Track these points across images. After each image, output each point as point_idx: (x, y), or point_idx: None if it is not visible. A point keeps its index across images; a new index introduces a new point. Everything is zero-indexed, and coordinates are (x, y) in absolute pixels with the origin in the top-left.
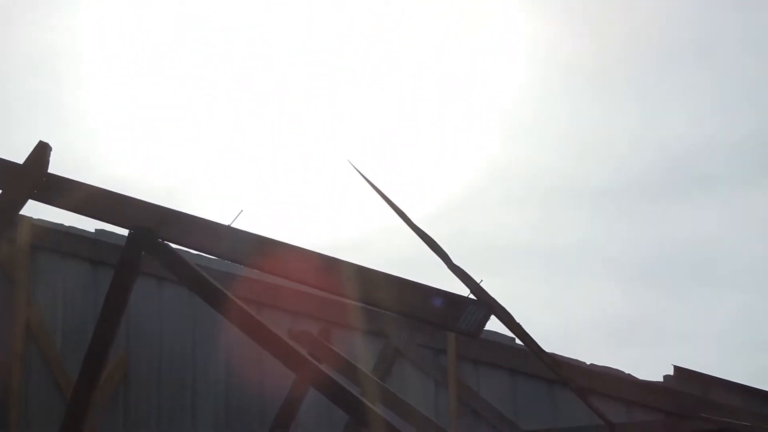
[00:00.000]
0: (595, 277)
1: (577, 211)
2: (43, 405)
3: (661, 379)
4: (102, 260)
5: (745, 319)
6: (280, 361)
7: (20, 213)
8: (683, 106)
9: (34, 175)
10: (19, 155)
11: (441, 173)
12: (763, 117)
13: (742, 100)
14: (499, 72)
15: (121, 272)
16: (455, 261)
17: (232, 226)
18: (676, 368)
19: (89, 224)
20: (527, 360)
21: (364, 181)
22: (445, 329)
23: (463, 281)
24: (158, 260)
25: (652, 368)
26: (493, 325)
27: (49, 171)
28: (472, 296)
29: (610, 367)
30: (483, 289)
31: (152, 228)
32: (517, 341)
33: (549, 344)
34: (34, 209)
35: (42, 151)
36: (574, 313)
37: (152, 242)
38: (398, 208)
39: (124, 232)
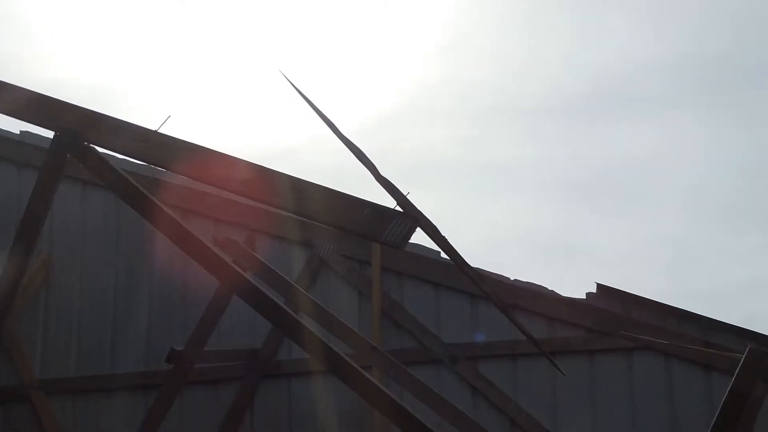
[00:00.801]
0: (525, 195)
1: (510, 129)
2: None
3: (584, 297)
4: (27, 163)
5: (671, 241)
6: (205, 268)
7: None
8: (619, 26)
9: None
10: None
11: (372, 88)
12: (698, 39)
13: (678, 22)
14: None
15: (45, 175)
16: (383, 173)
17: (160, 131)
18: (599, 286)
19: (14, 126)
20: (451, 274)
21: (295, 90)
22: (370, 240)
23: (389, 193)
24: (83, 164)
25: (575, 286)
26: (419, 237)
27: None
28: (398, 208)
29: (533, 283)
30: (409, 202)
31: (78, 131)
32: (442, 255)
33: (474, 259)
34: None
35: None
36: (502, 229)
37: (78, 145)
38: (327, 118)
39: (50, 134)
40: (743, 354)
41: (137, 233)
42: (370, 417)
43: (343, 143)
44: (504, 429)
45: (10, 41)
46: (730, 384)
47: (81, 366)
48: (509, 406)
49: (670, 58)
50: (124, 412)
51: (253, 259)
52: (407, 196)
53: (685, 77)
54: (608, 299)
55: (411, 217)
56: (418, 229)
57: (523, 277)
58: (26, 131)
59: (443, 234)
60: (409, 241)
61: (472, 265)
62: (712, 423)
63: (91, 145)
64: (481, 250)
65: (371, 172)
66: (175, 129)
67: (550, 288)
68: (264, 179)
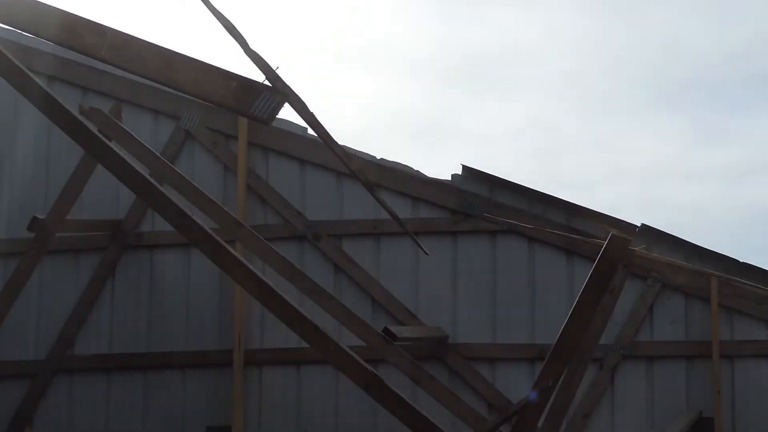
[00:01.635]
0: (396, 74)
1: (383, 8)
2: None
3: (449, 178)
4: None
5: (543, 126)
6: (69, 136)
7: None
8: None
9: None
10: None
11: None
12: None
13: None
14: None
15: None
16: (252, 47)
17: None
18: (464, 167)
19: None
20: (318, 151)
21: None
22: (237, 114)
23: (259, 67)
24: None
25: (441, 166)
26: (287, 113)
27: None
28: (267, 83)
29: (399, 163)
30: (279, 77)
31: None
32: (310, 131)
33: (341, 137)
34: None
35: None
36: (371, 107)
37: None
38: None
39: None
40: (605, 240)
41: (2, 100)
42: (232, 291)
43: (212, 14)
44: (365, 307)
45: None
46: (592, 269)
47: None
48: (371, 285)
49: None
50: None
51: (118, 129)
52: (277, 71)
53: None
54: (473, 181)
55: (280, 92)
56: (287, 105)
57: (390, 157)
58: None
59: (311, 110)
60: (277, 116)
61: (339, 143)
62: (573, 307)
63: None
64: (349, 128)
65: (240, 46)
66: None
67: (416, 168)
68: (132, 48)
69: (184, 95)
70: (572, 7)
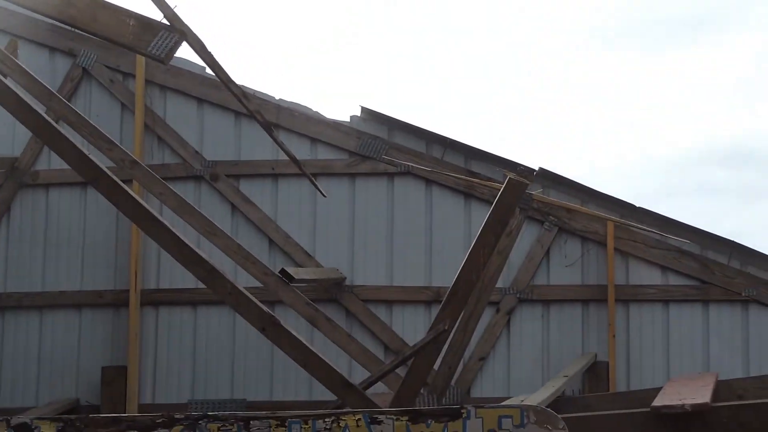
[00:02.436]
0: (295, 12)
1: None
2: None
3: (348, 119)
4: None
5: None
6: None
7: None
8: None
9: None
10: None
11: None
12: None
13: None
14: None
15: None
16: None
17: None
18: (363, 109)
19: None
20: (216, 90)
21: None
22: (135, 52)
23: (157, 5)
24: None
25: (340, 108)
26: (185, 52)
27: None
28: (165, 21)
29: (298, 104)
30: (177, 16)
31: None
32: (208, 71)
33: (240, 77)
34: None
35: None
36: (269, 47)
37: None
38: None
39: None
40: (503, 183)
41: None
42: (128, 231)
43: None
44: (262, 248)
45: None
46: (489, 212)
47: None
48: (268, 226)
49: None
50: None
51: (14, 66)
52: (175, 10)
53: None
54: (373, 123)
55: (177, 31)
56: (185, 44)
57: (289, 98)
58: None
59: (210, 50)
60: (175, 55)
61: (237, 83)
62: (470, 250)
63: None
64: (248, 69)
65: None
66: None
67: (314, 109)
68: None
69: (81, 32)
70: None
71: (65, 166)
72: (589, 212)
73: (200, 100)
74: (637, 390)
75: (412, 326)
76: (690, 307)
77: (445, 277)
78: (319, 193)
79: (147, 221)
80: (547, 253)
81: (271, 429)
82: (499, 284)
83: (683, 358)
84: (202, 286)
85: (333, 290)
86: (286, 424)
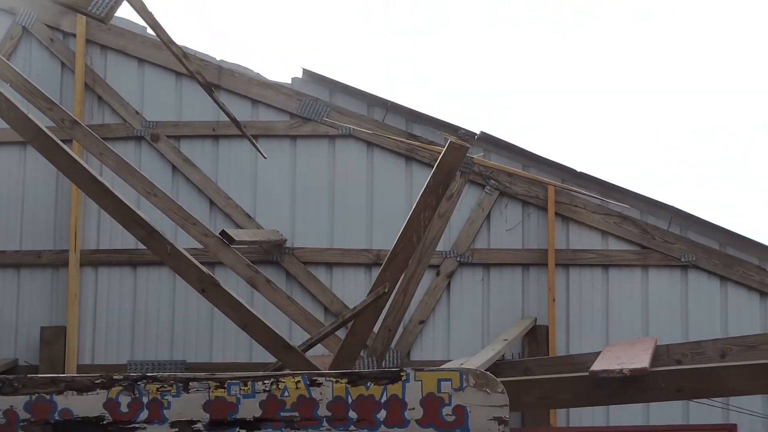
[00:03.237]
0: None
1: None
2: None
3: (290, 81)
4: None
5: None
6: None
7: None
8: None
9: None
10: None
11: None
12: None
13: None
14: None
15: None
16: None
17: None
18: (305, 71)
19: None
20: (157, 51)
21: None
22: (75, 11)
23: None
24: None
25: (281, 70)
26: (126, 11)
27: None
28: None
29: (239, 65)
30: None
31: None
32: (149, 31)
33: (181, 38)
34: None
35: None
36: (210, 7)
37: None
38: None
39: None
40: (444, 147)
41: None
42: (68, 191)
43: None
44: (203, 209)
45: None
46: (430, 175)
47: None
48: (209, 187)
49: None
50: None
51: None
52: None
53: None
54: (314, 85)
55: None
56: (125, 3)
57: (230, 59)
58: None
59: (150, 10)
60: (116, 15)
61: (177, 44)
62: (410, 213)
63: None
64: (189, 30)
65: None
66: None
67: (255, 71)
68: None
69: None
70: None
71: (4, 125)
72: (530, 176)
73: (141, 61)
74: (577, 354)
75: (352, 289)
76: (630, 272)
77: (386, 239)
78: (260, 154)
79: (86, 181)
80: (488, 216)
81: (210, 390)
82: (439, 247)
83: (622, 323)
84: (142, 247)
85: (273, 252)
86: (225, 385)
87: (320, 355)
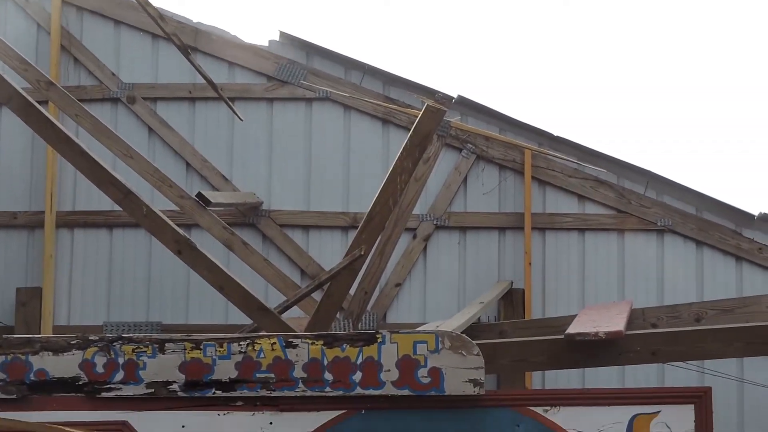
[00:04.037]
0: None
1: None
2: None
3: (266, 44)
4: None
5: None
6: None
7: None
8: None
9: None
10: None
11: None
12: None
13: None
14: None
15: None
16: None
17: None
18: (282, 33)
19: None
20: (134, 12)
21: None
22: None
23: None
24: None
25: (259, 32)
26: None
27: None
28: None
29: (216, 27)
30: None
31: None
32: None
33: None
34: None
35: None
36: None
37: None
38: None
39: None
40: (421, 110)
41: None
42: (44, 151)
43: None
44: (179, 172)
45: None
46: (407, 139)
47: None
48: (185, 150)
49: None
50: None
51: None
52: None
53: None
54: (291, 47)
55: None
56: None
57: (207, 21)
58: None
59: None
60: None
61: (153, 5)
62: (387, 176)
63: None
64: None
65: None
66: None
67: (233, 33)
68: None
69: None
70: None
71: None
72: (507, 140)
73: (117, 22)
74: (552, 317)
75: (329, 251)
76: (606, 236)
77: (363, 203)
78: (236, 117)
79: (62, 143)
80: (465, 180)
81: (186, 351)
82: (416, 211)
83: (598, 287)
84: (118, 208)
85: (250, 215)
86: (201, 346)
87: (296, 317)
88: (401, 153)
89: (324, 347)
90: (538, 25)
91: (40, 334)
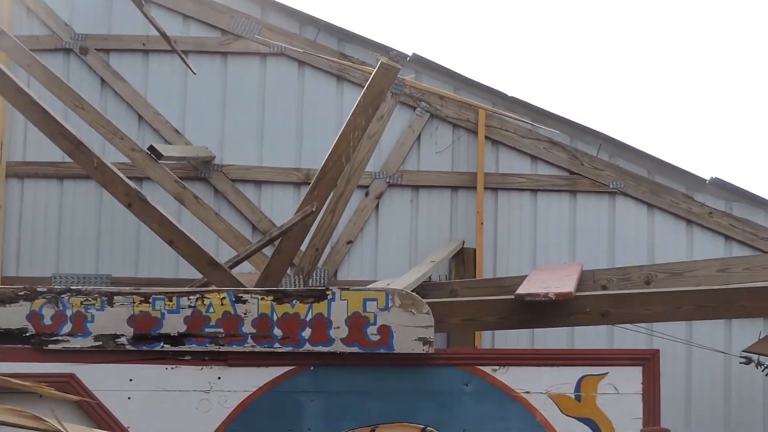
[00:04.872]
0: None
1: None
2: None
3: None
4: None
5: None
6: None
7: None
8: None
9: None
10: None
11: None
12: None
13: None
14: None
15: None
16: None
17: None
18: None
19: None
20: None
21: None
22: None
23: None
24: None
25: None
26: None
27: None
28: None
29: None
30: None
31: None
32: None
33: None
34: None
35: None
36: None
37: None
38: None
39: None
40: (375, 67)
41: None
42: None
43: None
44: (131, 124)
45: None
46: (360, 96)
47: None
48: (138, 102)
49: None
50: None
51: None
52: None
53: None
54: (246, 2)
55: None
56: None
57: None
58: None
59: None
60: None
61: None
62: (340, 133)
63: None
64: None
65: None
66: None
67: None
68: None
69: None
70: None
71: None
72: (461, 99)
73: None
74: (503, 277)
75: (280, 207)
76: (558, 197)
77: (316, 159)
78: (190, 71)
79: (12, 92)
80: (418, 139)
81: (135, 305)
82: (369, 168)
83: (549, 248)
84: (69, 160)
85: (202, 169)
86: (150, 300)
87: (247, 272)
88: (355, 110)
89: (274, 303)
90: None
91: None
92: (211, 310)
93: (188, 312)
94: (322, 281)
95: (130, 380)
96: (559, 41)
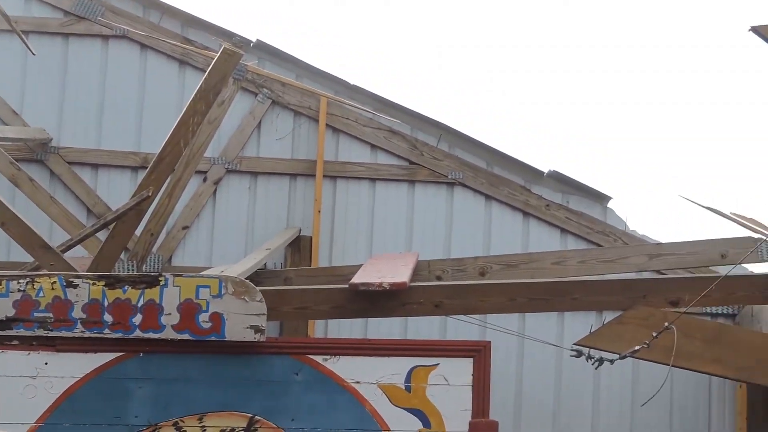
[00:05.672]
0: None
1: None
2: None
3: None
4: None
5: None
6: None
7: None
8: None
9: None
10: None
11: None
12: None
13: None
14: None
15: None
16: None
17: None
18: None
19: None
20: None
21: None
22: None
23: None
24: None
25: None
26: None
27: None
28: None
29: None
30: None
31: None
32: None
33: None
34: None
35: None
36: None
37: None
38: None
39: None
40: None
41: None
42: None
43: None
44: None
45: None
46: (201, 80)
47: None
48: None
49: None
50: None
51: None
52: None
53: None
54: None
55: None
56: None
57: None
58: None
59: None
60: None
61: None
62: (180, 117)
63: None
64: None
65: None
66: None
67: None
68: None
69: None
70: None
71: None
72: (303, 87)
73: None
74: (339, 266)
75: (117, 191)
76: (396, 187)
77: (155, 143)
78: (29, 51)
79: None
80: (259, 125)
81: None
82: (208, 154)
83: (387, 237)
84: None
85: (38, 151)
86: None
87: (81, 257)
88: (195, 95)
89: (105, 288)
90: None
91: None
92: (41, 294)
93: (18, 296)
94: (156, 267)
95: None
96: (403, 31)
